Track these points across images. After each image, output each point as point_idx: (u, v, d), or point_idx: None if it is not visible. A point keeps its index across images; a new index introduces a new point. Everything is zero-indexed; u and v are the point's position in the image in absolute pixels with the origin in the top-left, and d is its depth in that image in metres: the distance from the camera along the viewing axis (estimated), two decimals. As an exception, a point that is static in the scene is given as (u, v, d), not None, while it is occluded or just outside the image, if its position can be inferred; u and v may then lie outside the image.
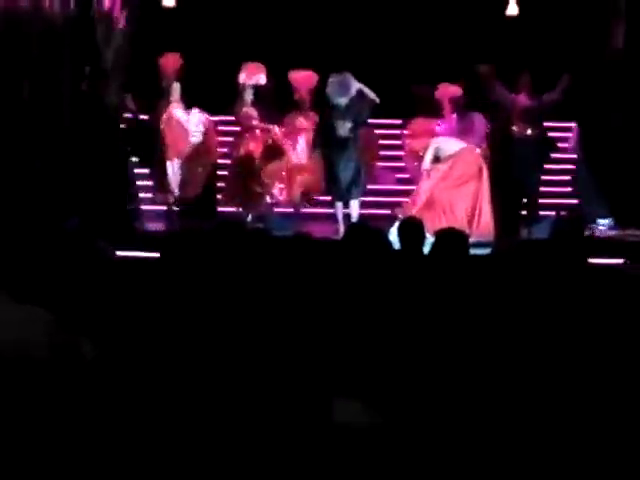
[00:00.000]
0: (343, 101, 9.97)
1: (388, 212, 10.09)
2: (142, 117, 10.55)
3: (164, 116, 10.30)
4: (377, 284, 3.95)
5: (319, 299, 3.82)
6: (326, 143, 10.12)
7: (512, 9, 11.54)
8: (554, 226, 5.29)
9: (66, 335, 2.96)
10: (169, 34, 11.36)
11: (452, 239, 4.68)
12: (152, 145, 10.37)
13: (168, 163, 10.32)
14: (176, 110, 10.33)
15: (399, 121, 11.13)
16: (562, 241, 4.74)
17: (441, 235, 4.75)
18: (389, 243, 4.54)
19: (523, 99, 10.27)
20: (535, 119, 10.29)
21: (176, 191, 10.33)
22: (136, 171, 10.51)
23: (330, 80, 10.09)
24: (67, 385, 2.82)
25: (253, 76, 10.40)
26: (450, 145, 9.86)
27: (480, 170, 9.76)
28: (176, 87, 10.38)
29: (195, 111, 10.40)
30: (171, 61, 10.39)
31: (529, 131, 10.27)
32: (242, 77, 10.42)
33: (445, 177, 9.75)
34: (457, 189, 9.69)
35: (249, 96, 10.41)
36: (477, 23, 11.83)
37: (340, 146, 10.03)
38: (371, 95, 10.05)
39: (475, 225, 9.49)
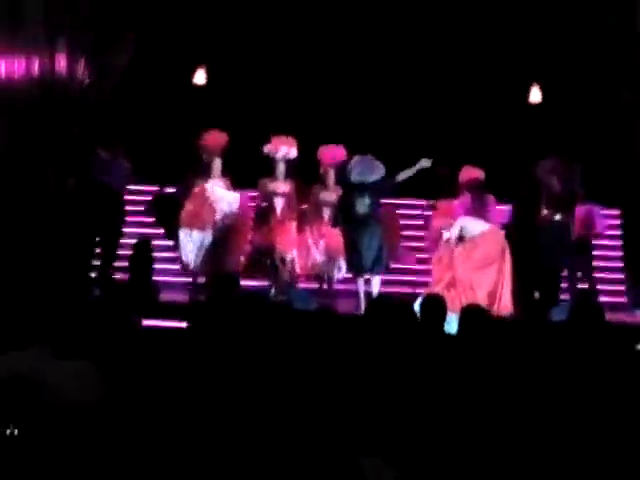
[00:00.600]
0: (365, 180, 10.18)
1: (409, 291, 10.17)
2: (168, 189, 10.73)
3: (197, 189, 10.43)
4: (400, 356, 4.03)
5: (342, 370, 3.90)
6: (346, 220, 10.27)
7: (535, 96, 11.82)
8: (572, 309, 5.35)
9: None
10: (199, 111, 11.61)
11: (477, 315, 4.75)
12: (176, 217, 10.50)
13: (185, 232, 10.34)
14: (215, 186, 10.43)
15: (422, 201, 11.28)
16: (579, 324, 4.79)
17: (467, 311, 4.83)
18: (413, 315, 4.62)
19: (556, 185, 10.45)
20: (565, 205, 10.45)
21: (192, 263, 10.42)
22: (159, 243, 10.64)
23: (355, 159, 10.31)
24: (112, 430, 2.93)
25: (280, 147, 10.45)
26: (475, 226, 9.98)
27: (503, 251, 9.85)
28: (218, 163, 10.46)
29: (236, 194, 10.48)
30: (216, 138, 10.49)
31: (557, 217, 10.42)
32: (267, 148, 10.45)
33: (468, 258, 9.84)
34: (480, 271, 9.77)
35: (279, 169, 10.44)
36: (501, 109, 12.03)
37: (361, 223, 10.18)
38: (401, 176, 10.26)
39: (496, 307, 9.54)
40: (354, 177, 10.22)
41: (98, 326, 4.15)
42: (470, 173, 10.38)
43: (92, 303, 5.08)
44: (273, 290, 10.07)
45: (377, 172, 10.30)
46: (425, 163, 10.31)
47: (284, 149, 10.44)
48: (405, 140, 11.94)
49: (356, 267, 10.22)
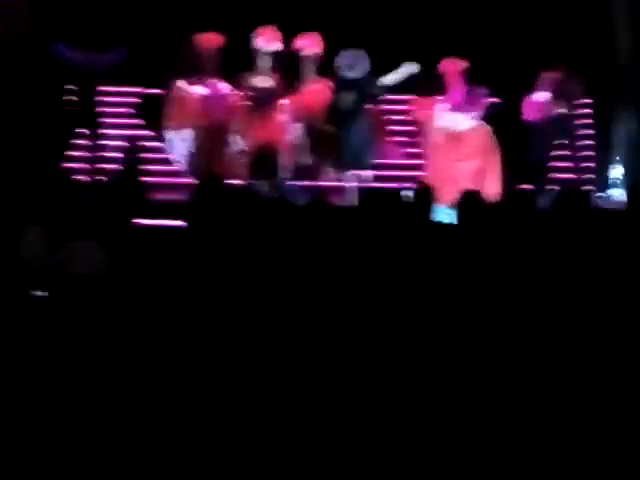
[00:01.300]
0: (351, 75, 10.13)
1: (397, 186, 10.22)
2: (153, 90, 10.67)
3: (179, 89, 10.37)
4: (394, 245, 4.13)
5: (338, 259, 3.99)
6: (332, 115, 10.27)
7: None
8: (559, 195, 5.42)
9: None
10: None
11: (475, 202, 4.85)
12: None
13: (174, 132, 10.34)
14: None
15: (408, 97, 11.23)
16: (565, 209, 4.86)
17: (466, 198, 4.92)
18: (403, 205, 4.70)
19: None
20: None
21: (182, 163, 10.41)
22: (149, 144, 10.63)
23: (342, 53, 10.25)
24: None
25: (271, 41, 10.27)
26: (458, 121, 10.01)
27: (488, 150, 9.92)
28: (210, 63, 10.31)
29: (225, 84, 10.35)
30: (212, 40, 10.34)
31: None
32: (259, 42, 10.29)
33: (451, 151, 9.91)
34: (461, 164, 9.87)
35: (266, 64, 10.30)
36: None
37: (346, 118, 10.20)
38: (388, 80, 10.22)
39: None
40: (343, 72, 10.18)
41: (96, 215, 4.23)
42: (453, 64, 10.31)
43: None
44: (266, 186, 10.08)
45: (363, 67, 10.26)
46: (411, 68, 10.25)
47: (274, 43, 10.28)
48: (390, 34, 11.79)
49: (345, 161, 10.27)
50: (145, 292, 3.64)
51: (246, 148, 10.05)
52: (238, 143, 10.15)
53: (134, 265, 4.01)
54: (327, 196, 9.34)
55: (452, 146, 9.89)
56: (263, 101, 10.25)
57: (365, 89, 10.24)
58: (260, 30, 10.34)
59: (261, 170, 10.10)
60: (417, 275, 3.88)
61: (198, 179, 10.04)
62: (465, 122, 9.96)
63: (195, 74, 10.35)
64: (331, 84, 10.26)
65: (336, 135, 10.26)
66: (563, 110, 10.53)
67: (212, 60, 10.35)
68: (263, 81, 10.28)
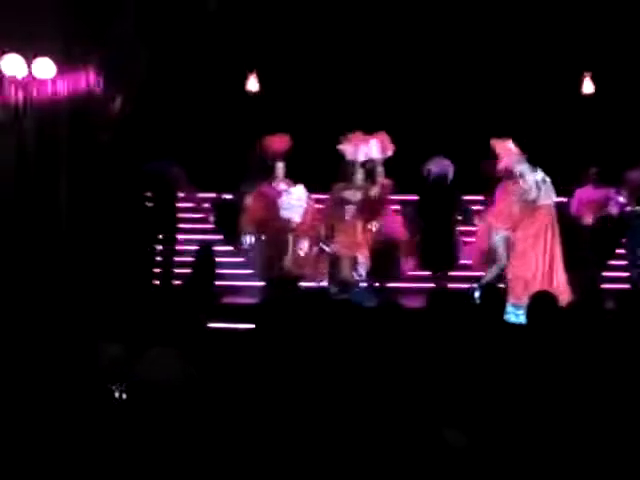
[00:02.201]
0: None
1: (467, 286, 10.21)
2: (226, 196, 10.90)
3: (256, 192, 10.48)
4: (463, 345, 4.14)
5: (407, 359, 4.02)
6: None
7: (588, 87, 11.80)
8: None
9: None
10: (252, 118, 11.74)
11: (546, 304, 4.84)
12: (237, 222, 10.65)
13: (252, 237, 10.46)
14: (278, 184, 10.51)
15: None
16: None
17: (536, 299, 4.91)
18: (473, 305, 4.71)
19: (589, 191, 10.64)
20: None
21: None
22: (222, 248, 10.80)
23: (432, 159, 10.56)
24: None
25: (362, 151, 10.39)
26: None
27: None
28: (280, 166, 10.54)
29: (300, 186, 10.52)
30: (280, 142, 10.58)
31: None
32: (350, 153, 10.41)
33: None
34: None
35: (359, 175, 10.41)
36: (553, 100, 12.00)
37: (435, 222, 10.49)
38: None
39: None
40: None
41: (169, 323, 4.31)
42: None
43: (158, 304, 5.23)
44: (334, 288, 10.15)
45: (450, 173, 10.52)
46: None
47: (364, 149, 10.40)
48: (458, 132, 11.97)
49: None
50: (220, 395, 3.68)
51: (331, 252, 10.28)
52: (310, 246, 10.37)
53: (209, 369, 4.06)
54: (398, 298, 9.42)
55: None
56: (349, 211, 10.33)
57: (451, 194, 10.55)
58: (353, 138, 10.46)
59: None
60: (485, 375, 3.88)
61: (268, 282, 10.28)
62: None
63: (265, 178, 10.57)
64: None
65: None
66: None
67: (281, 162, 10.60)
68: (354, 195, 10.37)
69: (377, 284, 10.34)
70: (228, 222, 10.75)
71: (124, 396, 3.10)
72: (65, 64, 9.82)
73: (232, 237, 10.73)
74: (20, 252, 9.40)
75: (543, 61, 12.02)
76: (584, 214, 10.63)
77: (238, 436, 3.36)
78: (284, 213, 10.41)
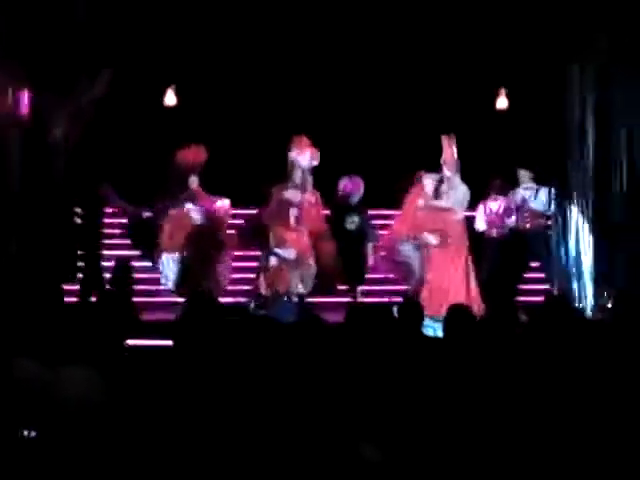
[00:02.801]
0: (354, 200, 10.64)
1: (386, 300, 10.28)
2: (146, 212, 10.79)
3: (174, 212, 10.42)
4: (383, 360, 4.17)
5: (328, 374, 4.03)
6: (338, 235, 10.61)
7: (502, 102, 12.00)
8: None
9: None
10: (170, 132, 11.64)
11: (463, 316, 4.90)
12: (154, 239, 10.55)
13: (166, 256, 10.40)
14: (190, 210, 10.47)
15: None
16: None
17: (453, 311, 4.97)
18: (392, 319, 4.75)
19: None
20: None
21: (170, 284, 10.42)
22: (139, 264, 10.69)
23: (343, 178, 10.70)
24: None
25: (306, 155, 10.45)
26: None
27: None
28: (194, 180, 10.53)
29: (226, 201, 10.53)
30: (194, 154, 10.52)
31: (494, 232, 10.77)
32: (295, 154, 10.44)
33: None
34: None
35: (299, 177, 10.43)
36: (468, 115, 12.16)
37: (349, 237, 10.62)
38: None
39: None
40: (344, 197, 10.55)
41: (88, 338, 4.26)
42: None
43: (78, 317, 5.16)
44: (252, 304, 10.14)
45: (361, 193, 10.65)
46: None
47: (308, 155, 10.44)
48: (379, 147, 12.08)
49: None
50: (138, 413, 3.64)
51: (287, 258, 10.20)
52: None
53: (126, 386, 4.01)
54: (319, 312, 9.42)
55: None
56: (288, 214, 10.34)
57: (363, 212, 10.79)
58: (297, 141, 10.49)
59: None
60: (402, 389, 3.91)
61: (187, 298, 10.17)
62: None
63: (183, 192, 10.50)
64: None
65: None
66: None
67: (197, 175, 10.53)
68: (294, 195, 10.40)
69: (298, 298, 10.34)
70: (146, 238, 10.65)
71: (32, 434, 3.03)
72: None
73: (150, 253, 10.64)
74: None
75: (460, 76, 12.17)
76: (488, 226, 10.81)
77: (158, 455, 3.33)
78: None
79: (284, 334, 4.63)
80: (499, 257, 10.61)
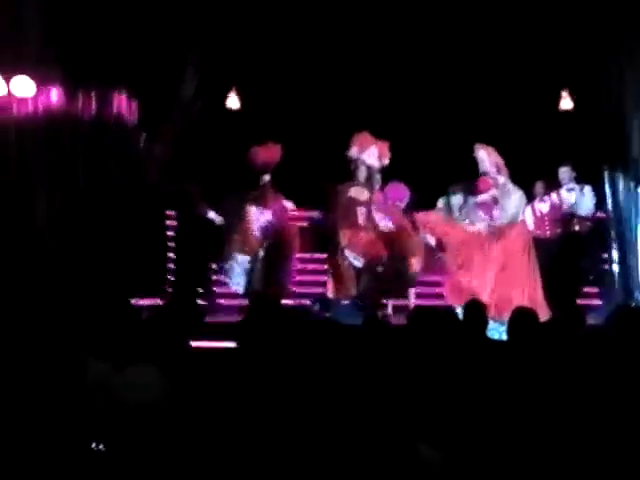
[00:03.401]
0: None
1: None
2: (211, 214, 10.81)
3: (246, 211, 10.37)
4: (446, 362, 4.15)
5: (391, 375, 4.02)
6: None
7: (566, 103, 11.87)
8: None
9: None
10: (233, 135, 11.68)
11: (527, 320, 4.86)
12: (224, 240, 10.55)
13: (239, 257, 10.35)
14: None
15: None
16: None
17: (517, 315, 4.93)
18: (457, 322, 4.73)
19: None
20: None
21: (240, 288, 10.40)
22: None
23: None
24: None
25: (369, 152, 10.29)
26: None
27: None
28: (266, 178, 10.39)
29: (289, 203, 10.44)
30: (270, 152, 10.37)
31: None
32: (356, 152, 10.29)
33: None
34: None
35: (363, 175, 10.28)
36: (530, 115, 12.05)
37: None
38: None
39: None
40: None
41: (152, 341, 4.30)
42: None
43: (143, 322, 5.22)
44: (316, 306, 10.06)
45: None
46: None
47: (374, 151, 10.28)
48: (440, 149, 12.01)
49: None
50: (201, 415, 3.67)
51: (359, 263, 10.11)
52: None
53: (190, 388, 4.05)
54: (384, 316, 9.39)
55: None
56: (356, 213, 10.22)
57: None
58: (358, 138, 10.36)
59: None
60: (466, 391, 3.90)
61: (252, 301, 10.20)
62: None
63: (254, 191, 10.45)
64: None
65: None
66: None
67: (267, 175, 10.40)
68: (360, 193, 10.31)
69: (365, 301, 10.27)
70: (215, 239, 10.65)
71: (101, 447, 3.08)
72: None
73: (219, 255, 10.63)
74: (7, 268, 9.40)
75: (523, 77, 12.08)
76: (537, 228, 10.66)
77: (219, 455, 3.35)
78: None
79: (349, 337, 4.63)
80: (552, 258, 10.46)
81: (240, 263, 10.32)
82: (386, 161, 10.38)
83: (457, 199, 10.19)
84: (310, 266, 11.20)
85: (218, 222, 10.43)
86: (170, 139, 10.74)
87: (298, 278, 10.87)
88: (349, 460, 3.18)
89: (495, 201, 10.06)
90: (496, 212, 10.02)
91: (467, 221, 10.11)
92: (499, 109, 12.07)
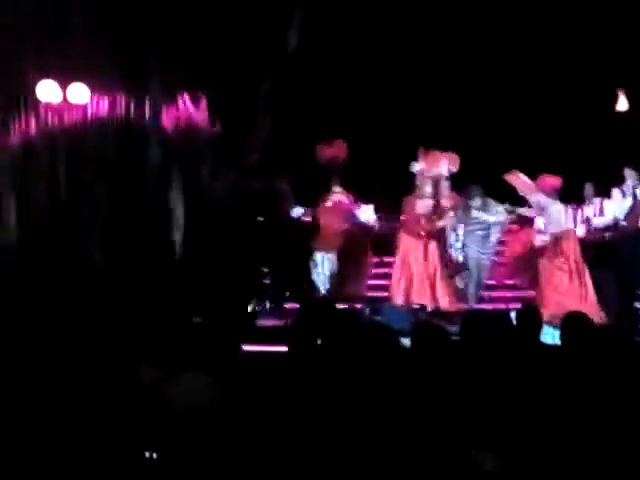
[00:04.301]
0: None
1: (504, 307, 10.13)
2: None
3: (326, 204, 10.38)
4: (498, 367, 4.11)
5: (442, 382, 3.99)
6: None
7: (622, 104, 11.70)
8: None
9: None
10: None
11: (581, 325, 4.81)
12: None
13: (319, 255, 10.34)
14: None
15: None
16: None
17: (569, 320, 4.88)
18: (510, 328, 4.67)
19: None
20: None
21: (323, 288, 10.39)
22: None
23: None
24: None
25: (433, 166, 10.29)
26: None
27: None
28: (337, 181, 10.44)
29: (370, 207, 10.47)
30: (335, 149, 10.41)
31: None
32: (422, 166, 10.32)
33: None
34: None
35: (427, 188, 10.31)
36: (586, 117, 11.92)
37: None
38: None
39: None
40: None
41: (204, 347, 4.31)
42: (549, 181, 10.30)
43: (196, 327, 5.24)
44: (367, 310, 10.05)
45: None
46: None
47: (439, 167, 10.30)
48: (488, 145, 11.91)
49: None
50: (252, 419, 3.66)
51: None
52: None
53: (242, 391, 4.05)
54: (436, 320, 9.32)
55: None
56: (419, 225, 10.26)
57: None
58: (423, 154, 10.38)
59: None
60: (518, 398, 3.85)
61: (304, 304, 10.19)
62: None
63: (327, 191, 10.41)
64: None
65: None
66: None
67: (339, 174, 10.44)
68: (424, 207, 10.34)
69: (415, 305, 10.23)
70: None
71: (154, 456, 3.09)
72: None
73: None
74: (58, 277, 9.46)
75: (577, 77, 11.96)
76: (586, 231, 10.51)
77: (269, 459, 3.35)
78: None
79: (399, 342, 4.60)
80: (603, 262, 10.29)
81: (323, 258, 10.26)
82: (454, 169, 10.40)
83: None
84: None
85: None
86: (258, 146, 10.75)
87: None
88: (403, 465, 3.16)
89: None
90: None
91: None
92: (554, 111, 11.97)
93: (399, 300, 10.09)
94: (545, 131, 11.83)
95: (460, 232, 10.44)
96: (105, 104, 10.20)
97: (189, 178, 10.22)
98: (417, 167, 10.32)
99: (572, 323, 4.80)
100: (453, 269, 10.36)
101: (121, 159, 10.24)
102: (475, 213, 10.24)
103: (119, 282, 9.62)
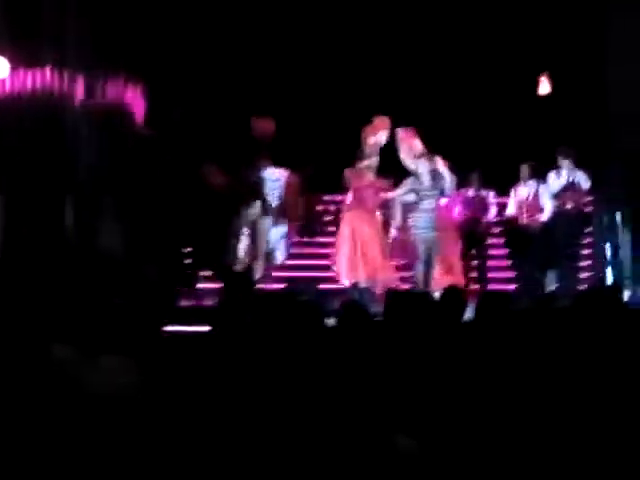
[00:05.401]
0: None
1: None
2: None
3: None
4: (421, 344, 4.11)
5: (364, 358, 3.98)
6: None
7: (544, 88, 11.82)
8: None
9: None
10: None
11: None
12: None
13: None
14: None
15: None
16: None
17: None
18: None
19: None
20: None
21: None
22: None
23: None
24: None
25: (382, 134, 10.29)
26: None
27: None
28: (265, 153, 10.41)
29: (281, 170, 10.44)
30: (266, 125, 10.41)
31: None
32: (371, 134, 10.27)
33: None
34: None
35: (375, 157, 10.29)
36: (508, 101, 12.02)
37: None
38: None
39: None
40: None
41: (124, 327, 4.23)
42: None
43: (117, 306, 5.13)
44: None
45: None
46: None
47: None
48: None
49: None
50: (174, 402, 3.61)
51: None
52: None
53: (162, 374, 3.99)
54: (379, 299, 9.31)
55: None
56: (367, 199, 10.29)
57: None
58: (376, 122, 10.33)
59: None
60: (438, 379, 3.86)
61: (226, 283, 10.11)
62: None
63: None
64: None
65: None
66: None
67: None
68: (370, 174, 10.27)
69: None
70: None
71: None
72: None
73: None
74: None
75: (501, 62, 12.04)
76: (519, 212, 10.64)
77: (191, 443, 3.29)
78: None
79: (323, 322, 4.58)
80: (540, 243, 10.46)
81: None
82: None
83: None
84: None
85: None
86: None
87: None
88: (324, 450, 3.13)
89: None
90: None
91: None
92: (481, 94, 12.05)
93: (346, 277, 10.07)
94: (470, 112, 11.91)
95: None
96: (27, 78, 9.99)
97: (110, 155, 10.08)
98: (373, 138, 10.24)
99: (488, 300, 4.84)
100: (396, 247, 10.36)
101: (42, 135, 10.04)
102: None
103: (27, 254, 9.47)
